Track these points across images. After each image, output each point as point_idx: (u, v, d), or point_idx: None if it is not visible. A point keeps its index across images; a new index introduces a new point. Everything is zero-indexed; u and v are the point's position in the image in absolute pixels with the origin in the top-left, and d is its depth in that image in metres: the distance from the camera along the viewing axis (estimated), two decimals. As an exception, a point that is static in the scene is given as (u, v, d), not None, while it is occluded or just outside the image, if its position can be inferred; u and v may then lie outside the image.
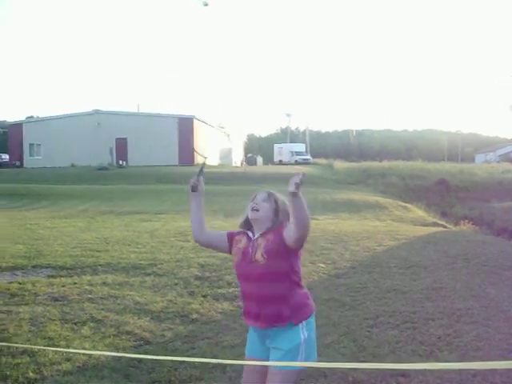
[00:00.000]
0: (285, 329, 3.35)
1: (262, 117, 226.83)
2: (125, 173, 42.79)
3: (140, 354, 5.18)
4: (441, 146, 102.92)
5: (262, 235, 3.50)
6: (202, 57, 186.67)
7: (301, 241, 3.33)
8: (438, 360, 5.09)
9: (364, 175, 46.40)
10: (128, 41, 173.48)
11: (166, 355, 5.12)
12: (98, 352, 4.99)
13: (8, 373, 4.62)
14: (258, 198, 3.70)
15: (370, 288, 8.11)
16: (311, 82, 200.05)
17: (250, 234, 3.61)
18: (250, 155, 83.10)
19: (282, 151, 77.15)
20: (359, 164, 57.63)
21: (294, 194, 3.20)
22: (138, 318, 6.36)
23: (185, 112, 57.39)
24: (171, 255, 10.33)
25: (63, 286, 7.93)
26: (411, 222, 19.88)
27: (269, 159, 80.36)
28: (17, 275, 8.83)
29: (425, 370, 4.76)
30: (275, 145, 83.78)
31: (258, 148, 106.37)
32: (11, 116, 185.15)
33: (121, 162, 50.84)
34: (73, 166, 50.27)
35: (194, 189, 3.77)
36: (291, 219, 3.29)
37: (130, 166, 50.05)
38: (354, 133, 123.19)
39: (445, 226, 20.18)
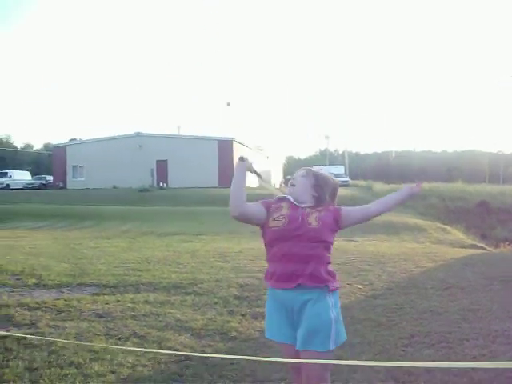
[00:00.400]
0: (318, 297, 3.42)
1: (300, 139, 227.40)
2: (165, 194, 43.41)
3: (181, 368, 5.40)
4: (482, 167, 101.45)
5: (311, 207, 3.60)
6: (242, 79, 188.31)
7: (358, 223, 3.71)
8: (472, 380, 5.16)
9: (403, 197, 46.02)
10: (168, 65, 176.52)
11: (206, 370, 5.33)
12: (160, 351, 5.22)
13: (57, 383, 4.87)
14: (296, 173, 3.83)
15: (406, 309, 8.19)
16: (350, 104, 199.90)
17: (292, 199, 3.67)
18: (288, 177, 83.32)
19: (320, 173, 77.22)
20: (398, 185, 57.16)
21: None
22: (179, 335, 6.58)
23: (224, 134, 58.02)
24: (211, 275, 10.56)
25: (107, 304, 8.22)
26: (450, 244, 19.79)
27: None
28: (63, 292, 9.16)
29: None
30: (314, 167, 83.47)
31: (296, 170, 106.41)
32: (55, 138, 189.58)
33: (161, 184, 51.58)
34: (114, 187, 51.20)
35: (242, 159, 3.81)
36: (378, 206, 3.70)
37: (171, 187, 50.74)
38: (394, 154, 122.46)
39: (484, 248, 20.03)
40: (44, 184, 59.98)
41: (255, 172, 3.78)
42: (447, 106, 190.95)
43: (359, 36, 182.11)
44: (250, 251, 14.33)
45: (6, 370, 5.18)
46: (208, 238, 18.60)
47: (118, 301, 8.40)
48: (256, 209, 3.73)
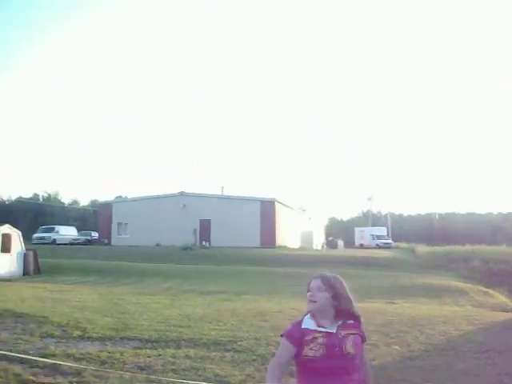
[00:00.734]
0: None
1: (343, 200, 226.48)
2: (208, 253, 43.86)
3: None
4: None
5: (343, 327, 3.52)
6: (286, 140, 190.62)
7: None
8: None
9: (446, 259, 45.53)
10: (211, 124, 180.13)
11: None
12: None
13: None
14: (312, 287, 3.61)
15: (442, 370, 8.27)
16: (394, 165, 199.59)
17: (314, 325, 3.55)
18: (331, 238, 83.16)
19: (363, 234, 76.83)
20: (442, 248, 56.57)
21: None
22: (218, 389, 6.82)
23: (267, 195, 58.65)
24: (250, 333, 10.78)
25: (148, 357, 8.52)
26: (491, 308, 19.55)
27: (350, 242, 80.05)
28: (106, 345, 9.51)
29: None
30: (356, 228, 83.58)
31: (339, 231, 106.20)
32: (101, 195, 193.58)
33: (204, 243, 52.10)
34: (158, 245, 51.88)
35: None
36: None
37: (213, 246, 51.20)
38: (437, 216, 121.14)
39: (527, 313, 19.68)
40: (89, 240, 61.07)
41: None
42: (492, 166, 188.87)
43: (400, 92, 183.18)
44: (289, 311, 14.49)
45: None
46: (248, 298, 18.81)
47: (160, 355, 8.70)
48: (288, 357, 3.56)
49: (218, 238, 53.49)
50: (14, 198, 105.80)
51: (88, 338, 10.03)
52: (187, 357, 8.60)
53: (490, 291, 26.58)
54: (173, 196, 58.55)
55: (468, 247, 54.37)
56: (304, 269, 33.29)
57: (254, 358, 8.62)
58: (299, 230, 66.67)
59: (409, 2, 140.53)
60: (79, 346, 9.32)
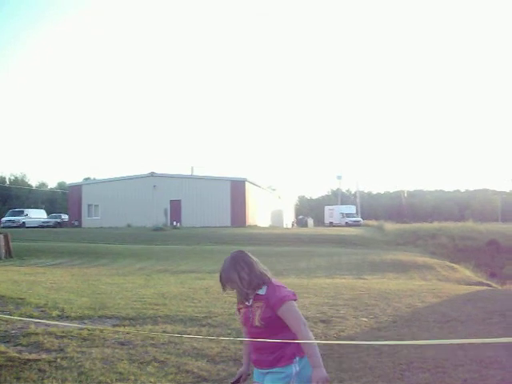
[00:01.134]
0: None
1: (312, 179, 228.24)
2: (179, 233, 44.10)
3: (198, 387, 6.00)
4: (494, 206, 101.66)
5: (254, 301, 3.79)
6: (254, 121, 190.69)
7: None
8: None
9: (414, 236, 46.56)
10: (181, 106, 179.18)
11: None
12: None
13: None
14: (223, 276, 3.89)
15: (408, 339, 8.73)
16: (362, 144, 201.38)
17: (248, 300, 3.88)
18: (300, 217, 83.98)
19: (332, 213, 77.77)
20: (410, 225, 57.74)
21: None
22: (196, 361, 7.18)
23: (237, 175, 58.98)
24: (224, 309, 11.15)
25: (128, 333, 8.83)
26: (456, 282, 20.30)
27: (319, 221, 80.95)
28: (85, 323, 9.77)
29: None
30: (326, 207, 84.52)
31: (308, 210, 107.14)
32: (69, 177, 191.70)
33: (175, 223, 52.32)
34: (129, 226, 51.98)
35: None
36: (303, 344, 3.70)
37: (184, 226, 51.46)
38: (406, 194, 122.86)
39: (490, 286, 20.47)
40: (59, 222, 60.83)
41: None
42: (460, 144, 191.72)
43: (371, 72, 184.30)
44: (261, 287, 14.90)
45: (42, 388, 5.80)
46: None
47: (138, 331, 9.02)
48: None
49: (188, 218, 53.80)
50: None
51: (67, 317, 10.24)
52: (165, 332, 8.93)
53: (456, 266, 27.42)
54: (143, 177, 58.60)
55: (435, 224, 55.64)
56: (275, 247, 33.88)
57: (229, 331, 8.99)
58: (269, 209, 67.25)
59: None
60: (59, 325, 9.57)
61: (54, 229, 54.06)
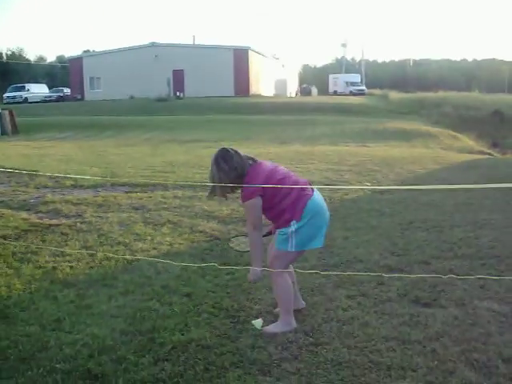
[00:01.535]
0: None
1: (317, 47, 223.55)
2: (183, 104, 44.04)
3: (211, 246, 6.43)
4: (502, 77, 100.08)
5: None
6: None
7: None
8: (455, 255, 6.12)
9: (418, 105, 46.41)
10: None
11: (231, 248, 6.33)
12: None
13: (110, 255, 5.92)
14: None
15: (408, 202, 9.17)
16: (368, 10, 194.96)
17: None
18: (304, 86, 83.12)
19: (336, 82, 76.73)
20: (414, 94, 57.31)
21: None
22: (208, 222, 7.61)
23: (240, 43, 57.87)
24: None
25: (140, 199, 9.27)
26: (458, 150, 20.64)
27: (324, 90, 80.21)
28: (99, 191, 10.19)
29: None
30: (330, 75, 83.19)
31: (312, 78, 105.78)
32: (68, 50, 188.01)
33: (178, 94, 52.01)
34: (132, 98, 51.72)
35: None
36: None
37: (187, 97, 51.19)
38: (411, 63, 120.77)
39: (491, 155, 20.83)
40: (62, 96, 60.37)
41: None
42: (469, 10, 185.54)
43: None
44: (266, 155, 15.23)
45: (67, 248, 6.23)
46: (227, 144, 19.46)
47: (150, 197, 9.46)
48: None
49: (191, 88, 53.34)
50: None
51: (80, 186, 10.66)
52: (176, 197, 9.37)
53: (459, 135, 27.69)
54: (144, 47, 57.51)
55: (440, 94, 55.18)
56: (278, 116, 34.01)
57: (237, 196, 9.37)
58: (273, 78, 66.54)
59: None
60: (74, 193, 9.99)
61: (57, 103, 53.88)
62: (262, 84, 59.98)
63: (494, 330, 4.13)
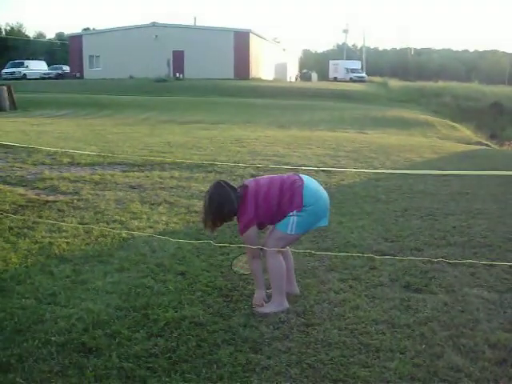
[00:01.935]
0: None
1: (318, 32, 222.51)
2: (182, 85, 43.94)
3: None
4: (502, 68, 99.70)
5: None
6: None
7: None
8: (448, 242, 6.19)
9: (418, 94, 46.42)
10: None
11: (227, 227, 6.38)
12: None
13: (106, 233, 5.98)
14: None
15: (404, 189, 9.22)
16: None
17: None
18: (304, 71, 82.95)
19: (337, 68, 76.53)
20: (414, 83, 57.31)
21: None
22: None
23: (241, 26, 57.65)
24: (229, 157, 11.59)
25: (138, 178, 9.31)
26: (456, 140, 20.68)
27: (324, 76, 79.97)
28: (96, 169, 10.21)
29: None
30: (330, 61, 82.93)
31: (313, 64, 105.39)
32: (68, 28, 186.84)
33: (178, 75, 51.86)
34: (131, 77, 51.56)
35: None
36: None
37: (187, 78, 51.06)
38: (413, 51, 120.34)
39: (489, 146, 20.91)
40: (61, 74, 60.13)
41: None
42: (471, 2, 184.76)
43: None
44: (265, 138, 15.30)
45: (63, 224, 6.28)
46: (225, 127, 19.54)
47: (147, 176, 9.49)
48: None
49: (191, 69, 53.21)
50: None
51: (77, 164, 10.67)
52: (173, 177, 9.41)
53: (457, 125, 27.74)
54: (144, 27, 57.27)
55: (440, 83, 55.21)
56: (278, 100, 34.00)
57: (234, 177, 9.44)
58: (273, 62, 66.33)
59: None
60: (71, 170, 10.01)
61: (56, 80, 53.66)
62: (262, 67, 59.84)
63: (482, 316, 4.20)
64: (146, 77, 48.52)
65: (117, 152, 12.13)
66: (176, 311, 4.11)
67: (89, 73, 57.71)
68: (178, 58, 55.01)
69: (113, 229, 6.15)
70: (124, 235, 5.96)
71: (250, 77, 53.54)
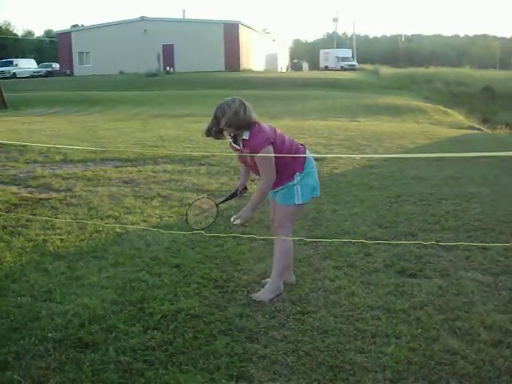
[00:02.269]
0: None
1: (308, 21, 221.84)
2: (173, 79, 43.81)
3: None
4: (493, 53, 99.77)
5: (243, 147, 4.16)
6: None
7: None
8: (442, 227, 6.20)
9: (409, 81, 46.43)
10: None
11: (221, 219, 6.37)
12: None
13: (100, 228, 5.97)
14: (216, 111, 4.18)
15: (396, 176, 9.24)
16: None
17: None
18: (295, 61, 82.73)
19: (327, 57, 76.33)
20: (405, 70, 57.32)
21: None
22: (197, 195, 7.61)
23: (230, 17, 57.50)
24: (222, 150, 11.54)
25: (131, 173, 9.30)
26: (448, 126, 20.71)
27: (315, 65, 79.82)
28: (89, 166, 10.19)
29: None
30: (321, 50, 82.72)
31: (304, 53, 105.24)
32: (56, 25, 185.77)
33: (168, 69, 51.68)
34: (121, 73, 51.36)
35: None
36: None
37: (178, 72, 50.89)
38: (403, 38, 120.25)
39: (481, 130, 20.93)
40: (51, 71, 59.76)
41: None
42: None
43: None
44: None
45: (57, 221, 6.26)
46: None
47: (140, 171, 9.48)
48: None
49: (181, 63, 53.04)
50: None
51: (70, 161, 10.63)
52: (166, 171, 9.40)
53: (449, 111, 27.74)
54: (133, 22, 56.97)
55: (431, 69, 55.23)
56: (270, 91, 33.94)
57: (227, 169, 9.45)
58: (263, 52, 66.16)
59: None
60: (64, 168, 9.98)
61: (46, 78, 53.36)
62: (253, 59, 59.69)
63: (477, 299, 4.23)
64: (136, 72, 48.35)
65: (109, 148, 12.10)
66: (172, 304, 4.11)
67: (79, 69, 57.41)
68: (168, 52, 54.82)
69: (107, 224, 6.14)
70: (118, 230, 5.96)
71: (241, 68, 53.38)
